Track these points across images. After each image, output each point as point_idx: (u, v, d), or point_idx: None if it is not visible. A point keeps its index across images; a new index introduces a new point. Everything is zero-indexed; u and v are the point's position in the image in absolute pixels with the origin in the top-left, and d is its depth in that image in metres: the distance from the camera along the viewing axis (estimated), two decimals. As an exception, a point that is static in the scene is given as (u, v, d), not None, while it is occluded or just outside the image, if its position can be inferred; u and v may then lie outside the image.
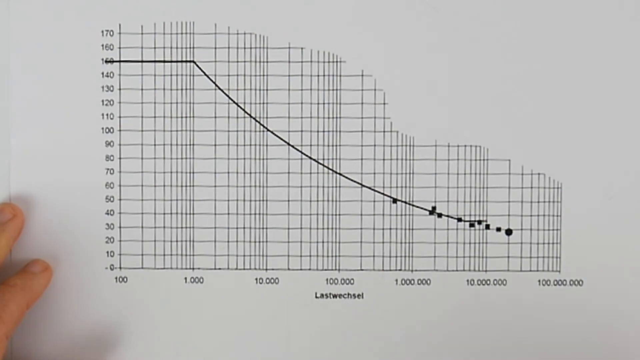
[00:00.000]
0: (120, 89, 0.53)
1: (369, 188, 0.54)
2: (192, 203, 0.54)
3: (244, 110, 0.53)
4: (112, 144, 0.53)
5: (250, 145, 0.53)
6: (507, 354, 0.54)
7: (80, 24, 0.53)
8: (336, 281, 0.54)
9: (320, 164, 0.53)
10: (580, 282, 0.54)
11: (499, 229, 0.54)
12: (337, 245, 0.54)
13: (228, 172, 0.54)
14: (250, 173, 0.53)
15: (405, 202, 0.54)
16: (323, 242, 0.54)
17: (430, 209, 0.54)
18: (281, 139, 0.53)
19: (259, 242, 0.54)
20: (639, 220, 0.54)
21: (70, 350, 0.54)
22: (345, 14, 0.53)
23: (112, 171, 0.53)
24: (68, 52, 0.53)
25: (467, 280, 0.54)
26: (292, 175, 0.53)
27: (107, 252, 0.54)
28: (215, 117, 0.53)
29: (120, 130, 0.53)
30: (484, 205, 0.54)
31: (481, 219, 0.54)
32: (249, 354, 0.54)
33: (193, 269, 0.54)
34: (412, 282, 0.54)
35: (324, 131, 0.53)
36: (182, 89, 0.53)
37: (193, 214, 0.54)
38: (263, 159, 0.53)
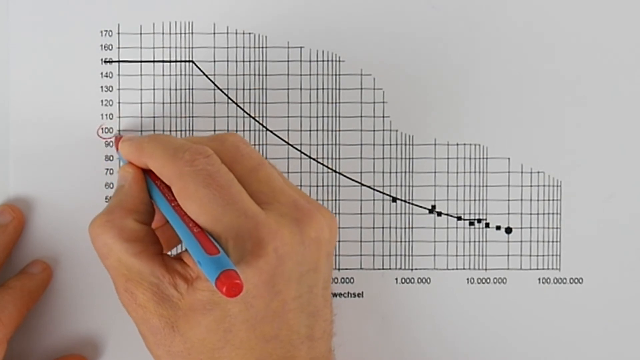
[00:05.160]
0: (119, 89, 0.53)
1: (369, 187, 0.54)
2: (191, 202, 0.54)
3: (243, 109, 0.53)
4: (111, 144, 0.53)
5: (250, 144, 0.53)
6: (507, 353, 0.54)
7: (79, 25, 0.53)
8: (336, 280, 0.54)
9: (320, 163, 0.53)
10: (580, 280, 0.54)
11: (498, 228, 0.54)
12: (337, 244, 0.54)
13: (228, 172, 0.53)
14: (250, 172, 0.53)
15: (405, 201, 0.54)
16: (323, 241, 0.54)
17: (429, 207, 0.54)
18: (280, 138, 0.53)
19: (259, 241, 0.54)
20: (639, 218, 0.54)
21: (70, 351, 0.54)
22: (344, 13, 0.53)
23: (111, 171, 0.53)
24: (67, 53, 0.53)
25: (467, 279, 0.54)
26: (292, 174, 0.53)
27: (107, 252, 0.54)
28: (214, 116, 0.53)
29: (119, 131, 0.53)
30: (483, 203, 0.54)
31: (481, 217, 0.54)
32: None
33: (193, 268, 0.54)
34: (412, 280, 0.54)
35: (323, 130, 0.53)
36: (181, 89, 0.53)
37: (193, 213, 0.54)
38: (262, 158, 0.53)
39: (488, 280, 0.54)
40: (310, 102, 0.53)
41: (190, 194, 0.43)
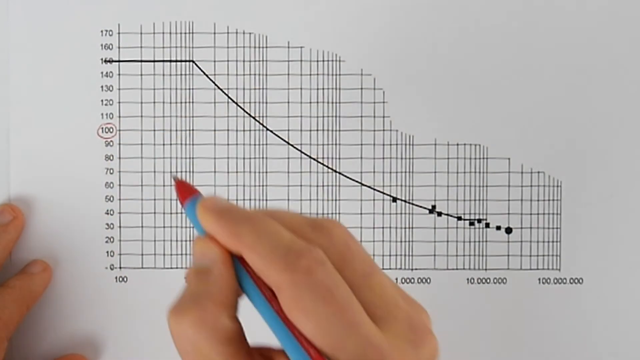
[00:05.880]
0: (119, 89, 0.53)
1: (369, 187, 0.54)
2: (191, 202, 0.54)
3: (243, 109, 0.53)
4: (111, 143, 0.53)
5: (250, 144, 0.53)
6: (507, 353, 0.54)
7: (79, 24, 0.53)
8: (336, 280, 0.54)
9: (320, 162, 0.53)
10: (580, 280, 0.54)
11: (498, 228, 0.54)
12: (337, 244, 0.54)
13: (228, 172, 0.54)
14: (250, 172, 0.54)
15: (405, 201, 0.54)
16: (323, 241, 0.54)
17: (430, 207, 0.54)
18: (281, 138, 0.53)
19: (259, 241, 0.54)
20: (639, 218, 0.54)
21: (70, 351, 0.54)
22: (344, 13, 0.53)
23: (111, 171, 0.53)
24: (67, 52, 0.53)
25: (467, 279, 0.54)
26: (292, 174, 0.53)
27: (107, 252, 0.54)
28: (214, 116, 0.53)
29: (119, 130, 0.53)
30: (483, 203, 0.54)
31: (481, 217, 0.54)
32: (250, 353, 0.54)
33: (193, 268, 0.54)
34: (412, 280, 0.54)
35: (323, 130, 0.53)
36: (181, 89, 0.53)
37: (193, 213, 0.54)
38: (263, 158, 0.53)
39: (488, 281, 0.54)
40: (310, 102, 0.53)
41: (306, 309, 0.36)
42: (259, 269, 0.38)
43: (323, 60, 0.53)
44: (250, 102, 0.53)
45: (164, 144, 0.53)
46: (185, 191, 0.41)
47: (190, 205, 0.40)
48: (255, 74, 0.53)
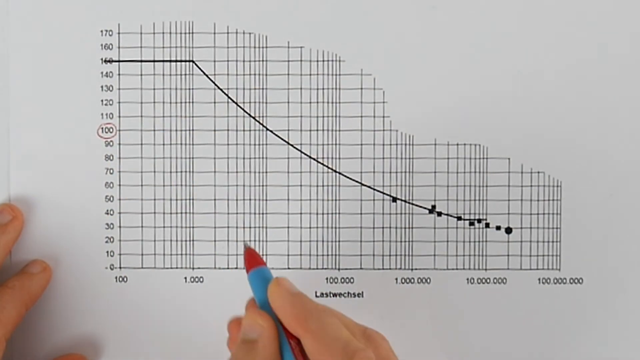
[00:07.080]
0: (119, 89, 0.53)
1: (369, 187, 0.54)
2: (191, 202, 0.54)
3: (243, 109, 0.53)
4: (111, 143, 0.53)
5: (250, 144, 0.53)
6: (507, 353, 0.54)
7: (79, 24, 0.53)
8: (336, 280, 0.54)
9: (320, 162, 0.53)
10: (580, 280, 0.54)
11: (498, 228, 0.54)
12: (337, 244, 0.54)
13: (228, 172, 0.54)
14: (250, 172, 0.54)
15: (405, 201, 0.54)
16: (323, 241, 0.54)
17: (430, 207, 0.54)
18: (281, 138, 0.53)
19: (259, 241, 0.54)
20: (639, 218, 0.54)
21: (70, 351, 0.54)
22: (344, 13, 0.53)
23: (111, 171, 0.53)
24: (67, 52, 0.53)
25: (467, 279, 0.54)
26: (292, 174, 0.53)
27: (107, 252, 0.54)
28: (214, 116, 0.53)
29: (119, 130, 0.53)
30: (483, 203, 0.54)
31: (481, 217, 0.54)
32: (250, 353, 0.54)
33: (193, 268, 0.54)
34: (412, 280, 0.54)
35: (323, 130, 0.53)
36: (181, 89, 0.53)
37: (193, 213, 0.54)
38: (263, 158, 0.53)
39: (488, 281, 0.54)
40: (310, 102, 0.53)
41: None
42: (315, 354, 0.42)
43: (323, 60, 0.53)
44: (250, 102, 0.53)
45: (164, 144, 0.54)
46: (253, 260, 0.46)
47: (255, 274, 0.45)
48: (255, 74, 0.53)
